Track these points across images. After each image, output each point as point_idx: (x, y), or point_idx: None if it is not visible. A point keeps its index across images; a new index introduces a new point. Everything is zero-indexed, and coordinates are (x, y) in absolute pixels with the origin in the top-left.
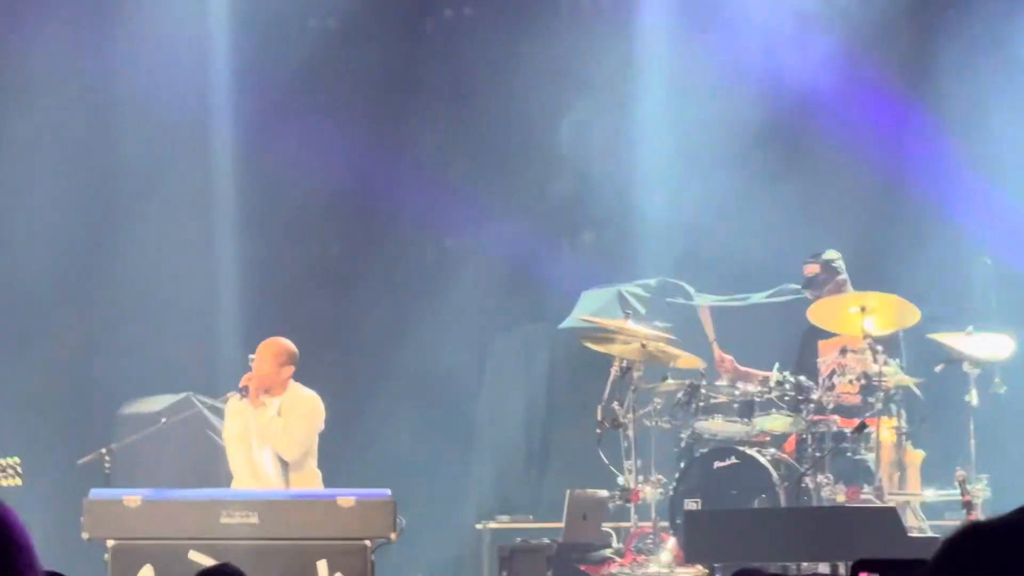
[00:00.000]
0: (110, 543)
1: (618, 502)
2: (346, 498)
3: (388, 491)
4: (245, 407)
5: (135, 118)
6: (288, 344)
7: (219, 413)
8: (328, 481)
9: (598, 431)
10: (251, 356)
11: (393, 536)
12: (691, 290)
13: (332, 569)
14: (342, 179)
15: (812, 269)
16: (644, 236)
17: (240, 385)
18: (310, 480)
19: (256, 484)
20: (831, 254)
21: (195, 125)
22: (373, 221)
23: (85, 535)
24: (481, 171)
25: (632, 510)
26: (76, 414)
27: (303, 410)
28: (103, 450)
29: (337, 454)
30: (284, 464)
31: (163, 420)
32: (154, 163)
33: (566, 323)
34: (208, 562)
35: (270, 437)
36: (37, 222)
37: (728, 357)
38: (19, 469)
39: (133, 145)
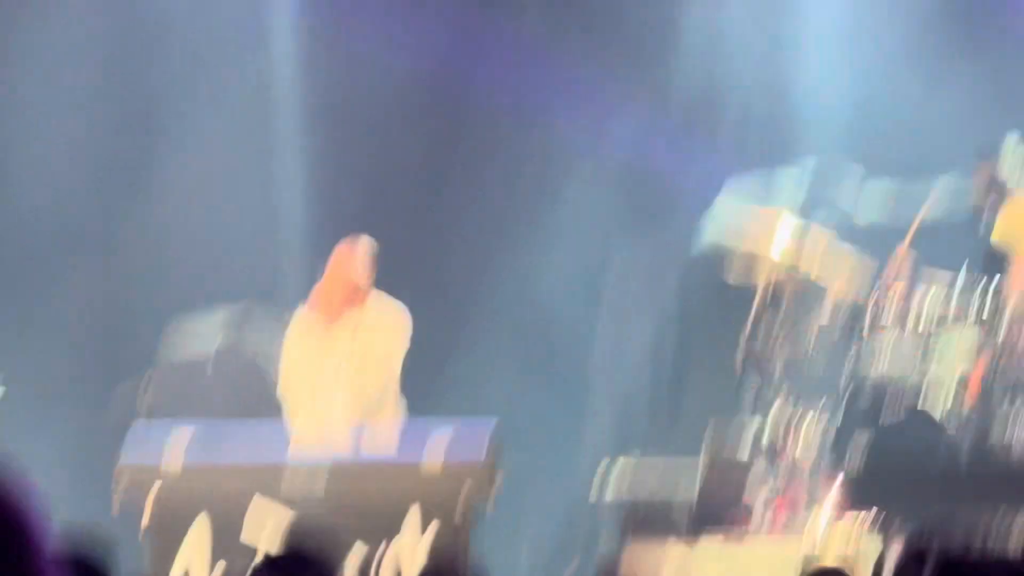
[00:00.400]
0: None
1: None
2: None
3: (493, 421)
4: (315, 325)
5: None
6: (370, 242)
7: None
8: None
9: (741, 369)
10: (322, 264)
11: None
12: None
13: (426, 520)
14: (428, 59)
15: (984, 175)
16: (799, 120)
17: (311, 296)
18: (390, 419)
19: (321, 424)
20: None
21: None
22: (465, 110)
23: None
24: (596, 49)
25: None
26: (113, 334)
27: (388, 327)
28: (145, 377)
29: (422, 398)
30: (359, 401)
31: (217, 341)
32: (205, 38)
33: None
34: (275, 508)
35: (345, 368)
36: (72, 102)
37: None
38: None
39: (180, 17)
